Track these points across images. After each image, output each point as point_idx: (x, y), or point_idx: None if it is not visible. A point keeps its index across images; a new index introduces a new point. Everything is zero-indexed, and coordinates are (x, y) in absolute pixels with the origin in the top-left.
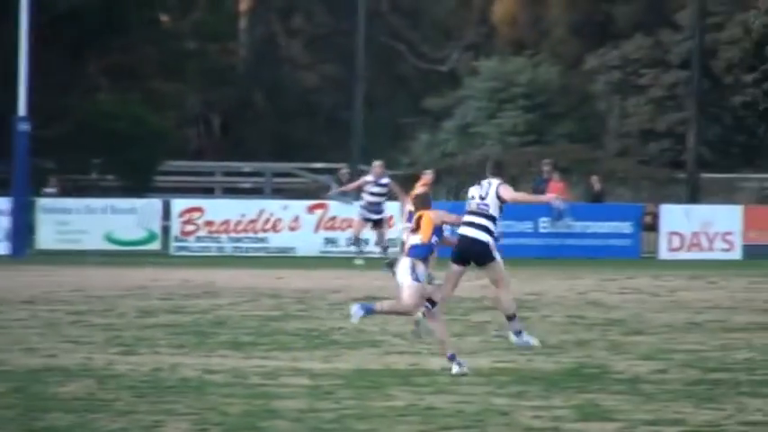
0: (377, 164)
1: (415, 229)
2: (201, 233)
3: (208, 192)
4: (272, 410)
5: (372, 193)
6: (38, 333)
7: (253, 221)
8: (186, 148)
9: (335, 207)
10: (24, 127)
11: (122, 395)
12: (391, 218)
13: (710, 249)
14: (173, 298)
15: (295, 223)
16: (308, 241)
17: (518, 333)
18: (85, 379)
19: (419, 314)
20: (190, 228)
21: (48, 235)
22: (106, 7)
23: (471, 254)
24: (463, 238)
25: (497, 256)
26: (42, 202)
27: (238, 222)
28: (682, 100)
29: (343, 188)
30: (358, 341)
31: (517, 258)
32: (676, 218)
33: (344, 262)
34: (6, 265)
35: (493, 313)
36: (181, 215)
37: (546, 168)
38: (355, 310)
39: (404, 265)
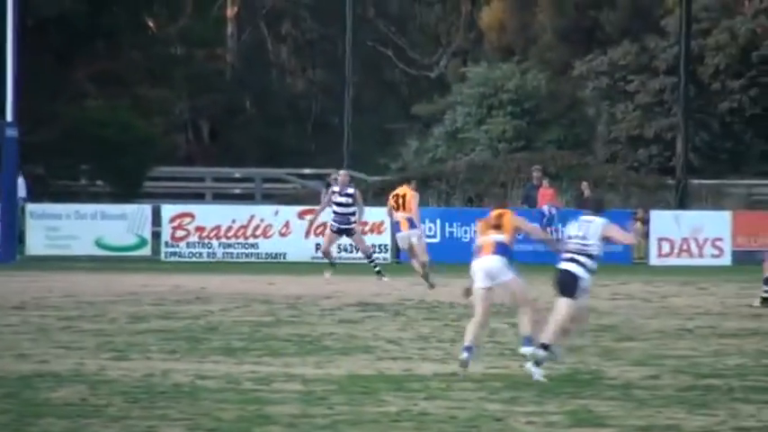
0: (341, 173)
1: (496, 227)
2: (192, 239)
3: (198, 197)
4: (266, 416)
5: (339, 204)
6: (29, 339)
7: (243, 227)
8: (176, 153)
9: (326, 213)
10: (12, 132)
11: (115, 401)
12: (381, 223)
13: (700, 255)
14: (164, 304)
15: (286, 229)
16: (298, 247)
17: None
18: (77, 384)
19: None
20: (180, 233)
21: (37, 241)
22: (93, 13)
23: (563, 284)
24: (561, 272)
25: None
26: (32, 207)
27: (229, 228)
28: (669, 106)
29: (315, 216)
30: (350, 347)
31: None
32: (666, 224)
33: (336, 268)
34: None
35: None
36: (171, 221)
37: (536, 174)
38: (529, 353)
39: (495, 264)
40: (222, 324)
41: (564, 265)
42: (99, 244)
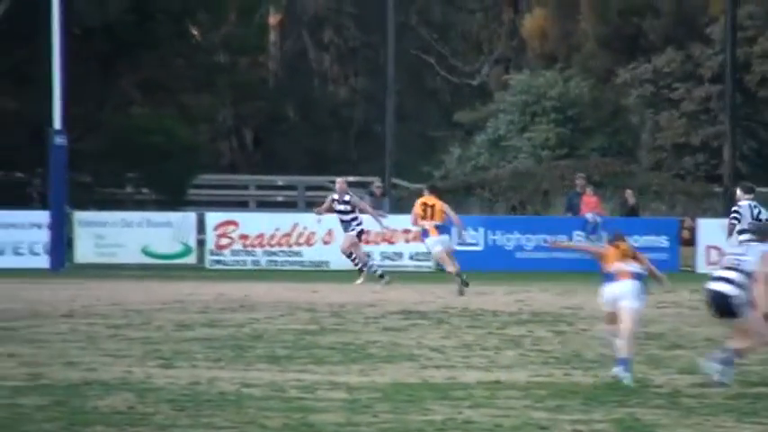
0: (338, 180)
1: (633, 257)
2: (236, 246)
3: (242, 205)
4: (311, 424)
5: (339, 212)
6: (77, 347)
7: (287, 235)
8: (219, 161)
9: (369, 221)
10: (60, 140)
11: (161, 408)
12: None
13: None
14: (209, 311)
15: (329, 237)
16: (341, 255)
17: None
18: (125, 392)
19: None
20: (225, 241)
21: (85, 248)
22: (138, 21)
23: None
24: (711, 292)
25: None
26: (79, 215)
27: (272, 236)
28: (715, 114)
29: (319, 209)
30: (394, 355)
31: (552, 272)
32: (714, 232)
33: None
34: (46, 278)
35: (529, 327)
36: (215, 228)
37: (579, 182)
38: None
39: (629, 288)
40: (267, 332)
41: (713, 286)
42: (145, 252)
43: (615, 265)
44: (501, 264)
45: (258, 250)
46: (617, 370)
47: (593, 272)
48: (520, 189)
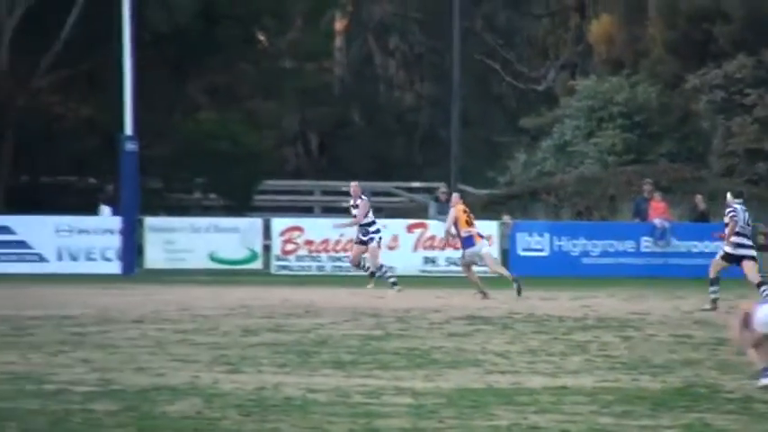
0: (352, 185)
1: None
2: (302, 252)
3: (307, 211)
4: (376, 429)
5: (353, 216)
6: (147, 352)
7: (352, 240)
8: (285, 167)
9: (435, 227)
10: (131, 146)
11: (229, 414)
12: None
13: None
14: (275, 317)
15: (394, 242)
16: (407, 260)
17: None
18: (193, 397)
19: None
20: (290, 247)
21: (155, 254)
22: (206, 26)
23: None
24: None
25: None
26: (150, 221)
27: (337, 241)
28: None
29: (343, 223)
30: (459, 360)
31: (619, 278)
32: None
33: (444, 281)
34: (117, 284)
35: (595, 332)
36: (281, 234)
37: (647, 188)
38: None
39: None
40: (331, 337)
41: None
42: (212, 257)
43: None
44: (566, 269)
45: (323, 255)
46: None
47: (660, 278)
48: (586, 194)
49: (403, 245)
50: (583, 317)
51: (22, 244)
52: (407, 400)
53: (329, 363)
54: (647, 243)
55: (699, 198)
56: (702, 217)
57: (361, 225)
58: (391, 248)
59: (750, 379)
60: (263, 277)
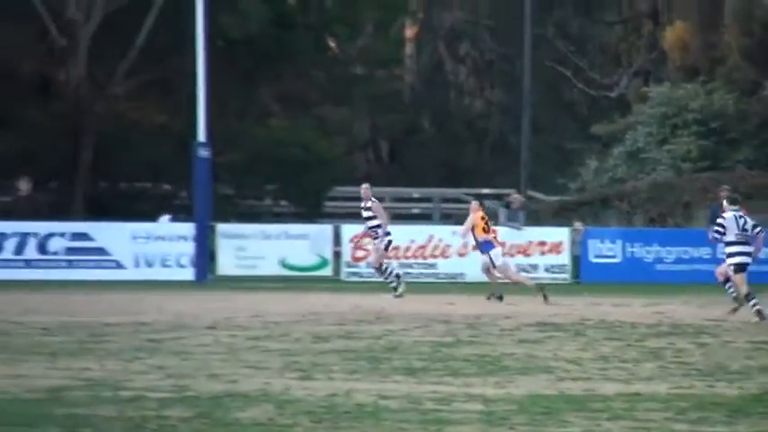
0: (363, 187)
1: None
2: (372, 259)
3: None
4: None
5: (365, 218)
6: (220, 358)
7: (422, 247)
8: (355, 173)
9: (505, 233)
10: (204, 153)
11: (300, 420)
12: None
13: None
14: (345, 323)
15: (464, 249)
16: (477, 267)
17: None
18: (265, 404)
19: None
20: (360, 253)
21: (227, 260)
22: (278, 33)
23: None
24: None
25: None
26: (222, 228)
27: (408, 248)
28: None
29: (361, 233)
30: (531, 367)
31: (695, 284)
32: None
33: (514, 288)
34: (190, 290)
35: (670, 339)
36: (352, 240)
37: (723, 194)
38: None
39: None
40: (402, 344)
41: None
42: (283, 264)
43: None
44: (639, 276)
45: (393, 262)
46: None
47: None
48: (659, 201)
49: (472, 251)
50: (656, 323)
51: (100, 251)
52: (478, 406)
53: (400, 369)
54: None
55: None
56: None
57: (371, 228)
58: (461, 255)
59: None
60: (334, 284)
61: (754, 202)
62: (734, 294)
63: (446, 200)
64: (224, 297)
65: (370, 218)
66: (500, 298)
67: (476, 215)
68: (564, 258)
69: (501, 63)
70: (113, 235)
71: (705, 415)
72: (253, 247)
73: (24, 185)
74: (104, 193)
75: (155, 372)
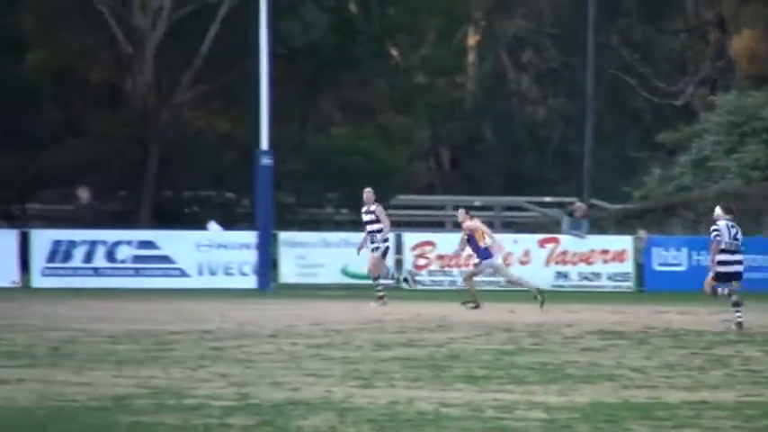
0: (365, 191)
1: None
2: (433, 267)
3: (438, 225)
4: None
5: (366, 222)
6: (282, 366)
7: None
8: (417, 181)
9: (568, 241)
10: (267, 161)
11: (362, 428)
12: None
13: None
14: (407, 331)
15: (526, 257)
16: (539, 275)
17: None
18: (326, 412)
19: None
20: (422, 261)
21: (289, 268)
22: (340, 42)
23: None
24: None
25: None
26: (283, 236)
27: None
28: None
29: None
30: (594, 375)
31: (763, 292)
32: None
33: (576, 296)
34: (253, 298)
35: (737, 347)
36: (413, 249)
37: None
38: None
39: None
40: (464, 352)
41: None
42: (344, 272)
43: None
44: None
45: (455, 270)
46: None
47: None
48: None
49: (535, 259)
50: (723, 331)
51: (165, 259)
52: (541, 414)
53: (462, 377)
54: None
55: None
56: None
57: (370, 232)
58: (523, 263)
59: None
60: (395, 292)
61: None
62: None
63: (508, 208)
64: (285, 305)
65: (370, 222)
66: (477, 306)
67: (476, 222)
68: (627, 267)
69: (563, 71)
70: (178, 243)
71: None
72: (314, 255)
73: (84, 193)
74: (169, 202)
75: (218, 380)
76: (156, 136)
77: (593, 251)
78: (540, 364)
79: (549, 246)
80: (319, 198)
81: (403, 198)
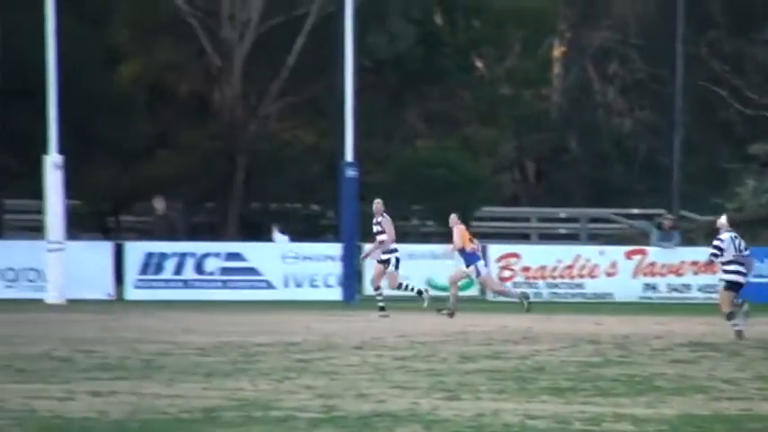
0: (375, 202)
1: None
2: (519, 278)
3: (524, 237)
4: None
5: (375, 233)
6: (367, 378)
7: (569, 267)
8: (501, 193)
9: (656, 253)
10: (352, 173)
11: None
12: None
13: None
14: (492, 343)
15: (612, 269)
16: (626, 287)
17: None
18: (413, 424)
19: None
20: (507, 273)
21: None
22: (425, 53)
23: None
24: None
25: None
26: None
27: (554, 268)
28: None
29: (369, 252)
30: (683, 387)
31: None
32: None
33: (665, 308)
34: (339, 310)
35: None
36: (498, 260)
37: None
38: None
39: None
40: (549, 364)
41: None
42: (430, 284)
43: None
44: None
45: (540, 282)
46: None
47: None
48: None
49: (622, 271)
50: None
51: (252, 271)
52: (629, 427)
53: (547, 389)
54: None
55: None
56: None
57: (378, 242)
58: (609, 275)
59: None
60: (480, 303)
61: None
62: (737, 329)
63: (593, 220)
64: (371, 317)
65: (379, 233)
66: (451, 315)
67: (461, 228)
68: (712, 278)
69: (650, 83)
70: (264, 255)
71: None
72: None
73: (159, 204)
74: (255, 214)
75: (304, 392)
76: (243, 148)
77: (682, 263)
78: (628, 377)
79: (637, 257)
80: (404, 210)
81: (488, 210)
